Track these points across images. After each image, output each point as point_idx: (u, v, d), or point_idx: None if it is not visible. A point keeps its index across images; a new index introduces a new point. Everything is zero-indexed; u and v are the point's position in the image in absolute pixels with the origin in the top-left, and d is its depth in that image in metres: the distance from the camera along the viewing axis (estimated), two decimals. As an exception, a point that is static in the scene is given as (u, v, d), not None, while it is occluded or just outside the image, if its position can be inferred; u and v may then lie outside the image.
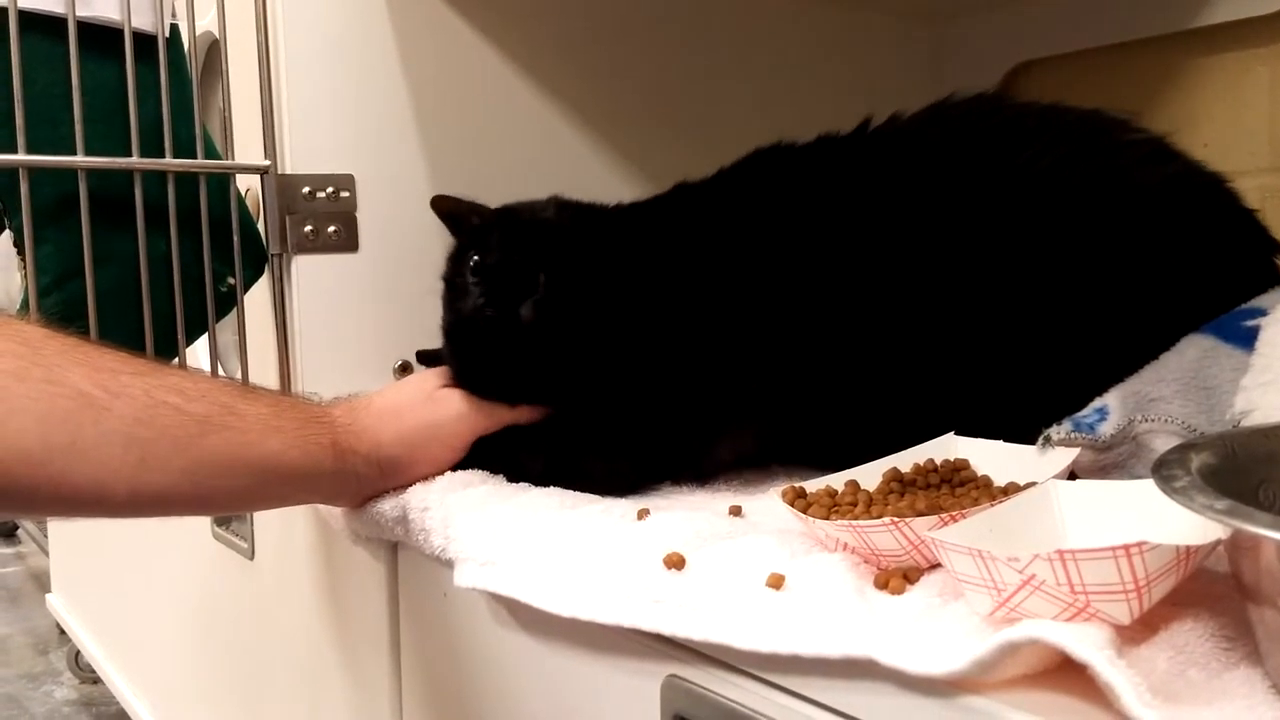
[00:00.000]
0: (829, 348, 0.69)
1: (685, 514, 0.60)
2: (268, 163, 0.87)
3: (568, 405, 0.73)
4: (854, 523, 0.50)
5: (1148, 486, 0.39)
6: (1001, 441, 0.59)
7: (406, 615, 0.77)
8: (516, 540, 0.61)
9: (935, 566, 0.49)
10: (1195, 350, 0.57)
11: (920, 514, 0.49)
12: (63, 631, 1.87)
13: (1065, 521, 0.48)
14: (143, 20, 0.82)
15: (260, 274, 0.89)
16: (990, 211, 0.68)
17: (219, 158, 0.87)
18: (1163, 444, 0.53)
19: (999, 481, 0.57)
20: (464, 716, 0.70)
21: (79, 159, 0.78)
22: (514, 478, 0.72)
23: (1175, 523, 0.39)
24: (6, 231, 0.82)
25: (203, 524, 1.12)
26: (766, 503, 0.66)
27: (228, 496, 0.64)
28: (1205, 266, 0.66)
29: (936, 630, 0.42)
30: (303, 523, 0.90)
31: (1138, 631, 0.40)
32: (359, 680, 0.84)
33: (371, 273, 0.91)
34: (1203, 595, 0.43)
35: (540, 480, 0.71)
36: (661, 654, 0.52)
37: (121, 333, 0.80)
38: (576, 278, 0.71)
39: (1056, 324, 0.66)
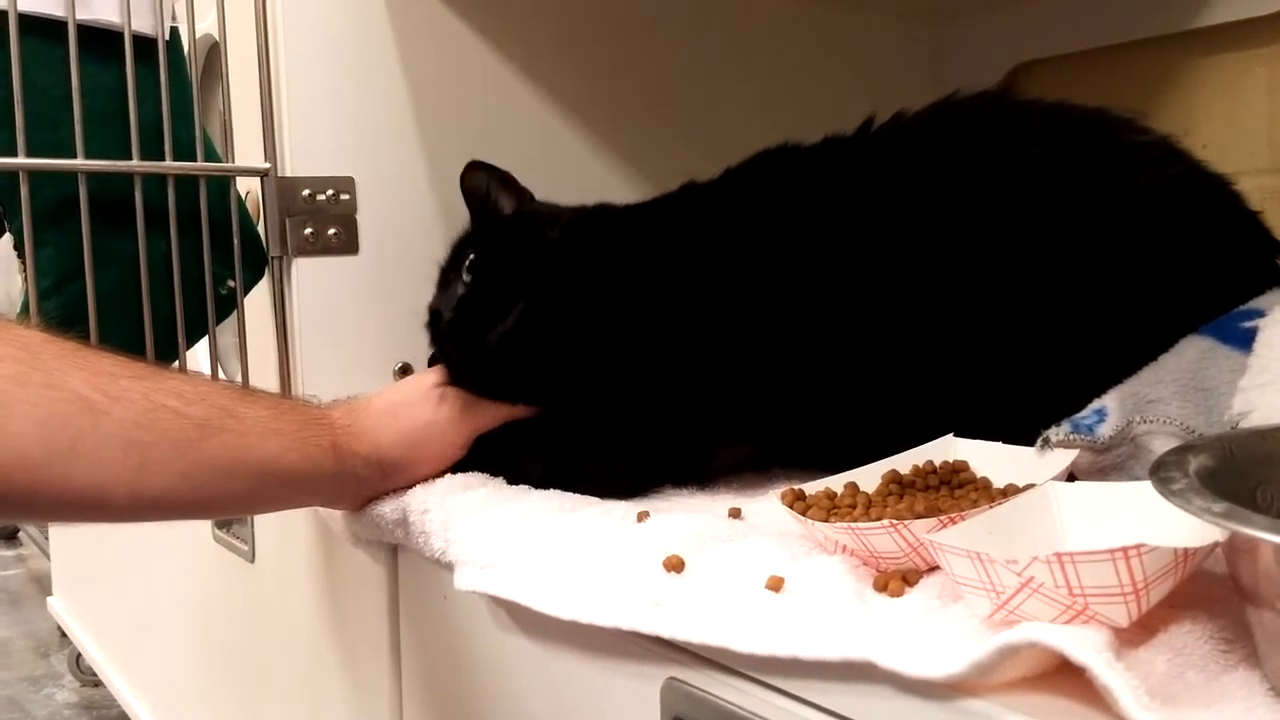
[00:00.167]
0: (835, 348, 0.69)
1: (685, 516, 0.60)
2: (268, 165, 0.87)
3: (562, 407, 0.73)
4: (853, 525, 0.50)
5: (1146, 488, 0.39)
6: (1000, 443, 0.59)
7: (406, 618, 0.77)
8: (516, 543, 0.61)
9: (934, 569, 0.49)
10: (1194, 351, 0.57)
11: (919, 516, 0.49)
12: (64, 634, 1.87)
13: (1064, 523, 0.48)
14: (143, 23, 0.82)
15: (260, 276, 0.89)
16: (994, 211, 0.68)
17: (219, 160, 0.87)
18: (1161, 445, 0.53)
19: (998, 483, 0.57)
20: (464, 719, 0.70)
21: (79, 162, 0.78)
22: (514, 480, 0.72)
23: (1174, 524, 0.39)
24: (7, 234, 0.82)
25: (203, 527, 1.12)
26: (766, 505, 0.66)
27: (227, 499, 0.64)
28: (1209, 269, 0.66)
29: (935, 633, 0.42)
30: (303, 526, 0.90)
31: (1136, 634, 0.40)
32: (359, 683, 0.84)
33: (371, 275, 0.91)
34: (1201, 597, 0.43)
35: (541, 483, 0.71)
36: (661, 656, 0.52)
37: (121, 335, 0.80)
38: (558, 308, 0.70)
39: (1057, 325, 0.65)
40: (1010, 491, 0.54)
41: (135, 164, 0.80)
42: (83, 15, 0.79)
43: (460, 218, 0.81)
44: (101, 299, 0.79)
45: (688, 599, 0.50)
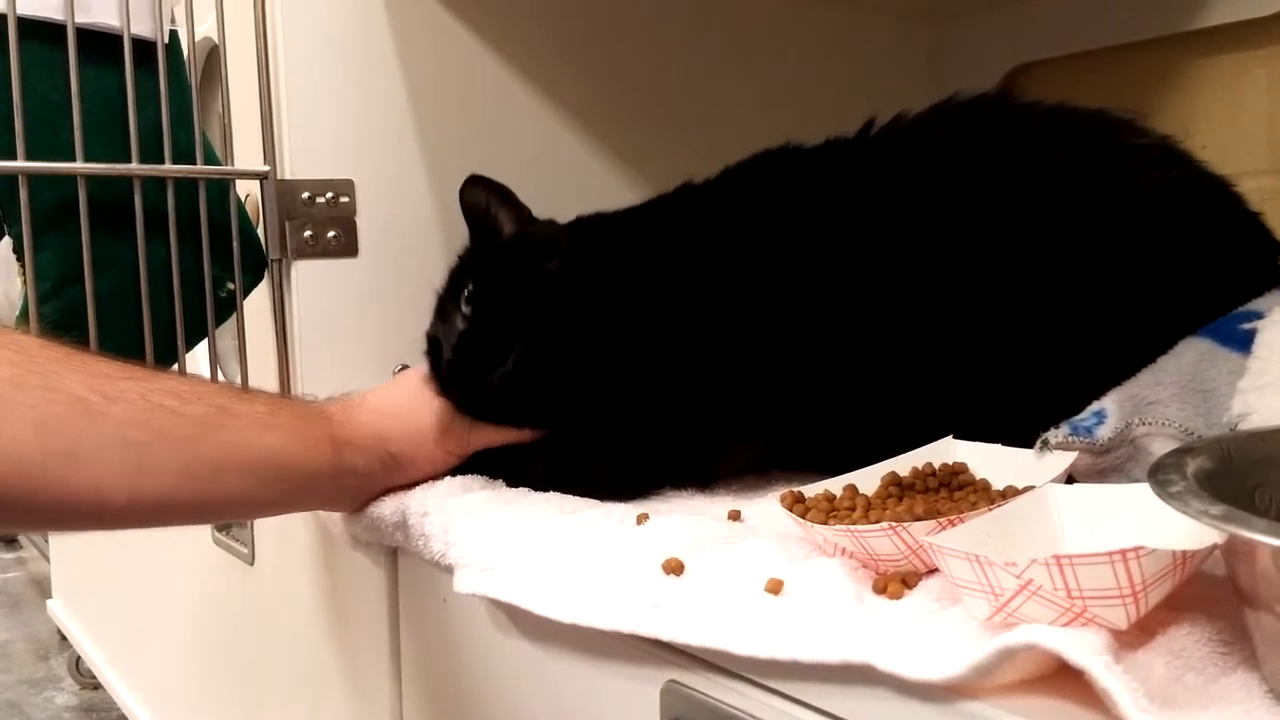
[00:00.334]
0: (837, 351, 0.69)
1: (684, 519, 0.60)
2: (267, 168, 0.87)
3: (566, 429, 0.72)
4: (852, 528, 0.50)
5: (1145, 490, 0.39)
6: (999, 445, 0.59)
7: (406, 621, 0.77)
8: (516, 545, 0.61)
9: (933, 571, 0.49)
10: (1193, 353, 0.57)
11: (918, 518, 0.49)
12: (63, 637, 1.87)
13: (1063, 526, 0.48)
14: (142, 27, 0.82)
15: (260, 279, 0.89)
16: (994, 213, 0.67)
17: (218, 163, 0.87)
18: (1160, 447, 0.53)
19: (997, 485, 0.57)
20: (464, 721, 0.70)
21: (78, 165, 0.78)
22: (514, 482, 0.72)
23: (1173, 527, 0.39)
24: (6, 238, 0.82)
25: (203, 529, 1.12)
26: (765, 507, 0.66)
27: (227, 498, 0.63)
28: (1209, 270, 0.66)
29: (934, 635, 0.42)
30: (303, 528, 0.90)
31: (1135, 636, 0.40)
32: (359, 685, 0.84)
33: (371, 277, 0.91)
34: (1200, 599, 0.43)
35: (541, 485, 0.71)
36: (661, 659, 0.52)
37: (121, 338, 0.80)
38: (559, 346, 0.70)
39: (1057, 327, 0.65)
40: (1009, 494, 0.54)
41: (134, 167, 0.80)
42: (82, 19, 0.79)
43: (459, 220, 0.81)
44: (101, 302, 0.79)
45: (687, 601, 0.50)
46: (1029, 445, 0.57)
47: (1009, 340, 0.66)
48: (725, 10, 1.12)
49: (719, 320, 0.71)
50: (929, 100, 0.75)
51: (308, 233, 0.88)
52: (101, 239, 0.79)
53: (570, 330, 0.70)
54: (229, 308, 0.87)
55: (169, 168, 0.82)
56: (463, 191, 0.79)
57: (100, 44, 0.80)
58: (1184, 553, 0.38)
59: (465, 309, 0.72)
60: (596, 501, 0.68)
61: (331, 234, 0.89)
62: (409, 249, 0.92)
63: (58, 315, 0.79)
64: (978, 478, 0.59)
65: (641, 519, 0.62)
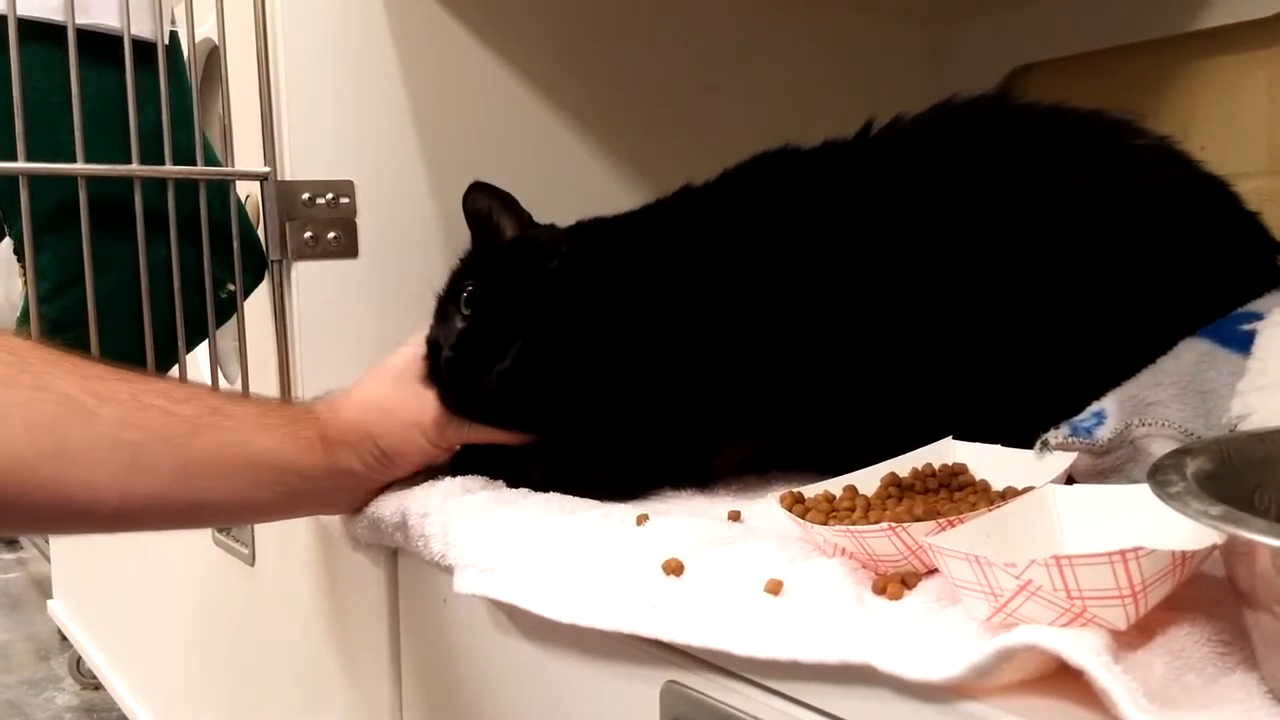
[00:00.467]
0: (836, 352, 0.69)
1: (684, 519, 0.60)
2: (267, 169, 0.87)
3: (563, 431, 0.72)
4: (852, 528, 0.50)
5: (1145, 491, 0.39)
6: (999, 446, 0.59)
7: (406, 621, 0.77)
8: (516, 546, 0.61)
9: (933, 571, 0.49)
10: (1192, 354, 0.57)
11: (918, 519, 0.49)
12: (64, 637, 1.87)
13: (1063, 526, 0.48)
14: (142, 27, 0.82)
15: (260, 280, 0.90)
16: (994, 214, 0.68)
17: (219, 164, 0.87)
18: (1160, 448, 0.53)
19: (997, 486, 0.57)
20: (464, 722, 0.70)
21: (79, 166, 0.78)
22: (515, 483, 0.72)
23: (1172, 527, 0.39)
24: (6, 238, 0.82)
25: (204, 530, 1.12)
26: (765, 508, 0.66)
27: (221, 498, 0.63)
28: (1208, 271, 0.66)
29: (934, 636, 0.42)
30: (303, 529, 0.90)
31: (1134, 637, 0.40)
32: (359, 686, 0.84)
33: (371, 278, 0.91)
34: (1199, 600, 0.43)
35: (541, 485, 0.71)
36: (661, 660, 0.52)
37: (121, 339, 0.80)
38: (557, 344, 0.69)
39: (1057, 328, 0.65)
40: (1009, 494, 0.54)
41: (135, 168, 0.80)
42: (82, 20, 0.79)
43: (459, 221, 0.81)
44: (101, 302, 0.79)
45: (687, 602, 0.50)
46: (1029, 446, 0.57)
47: (1009, 341, 0.66)
48: (724, 11, 1.12)
49: (719, 321, 0.71)
50: (928, 101, 0.75)
51: (308, 234, 0.88)
52: (102, 240, 0.80)
53: (570, 329, 0.70)
54: (229, 309, 0.87)
55: (169, 169, 0.82)
56: (466, 197, 0.79)
57: (100, 45, 0.80)
58: (1183, 553, 0.38)
59: (465, 309, 0.72)
60: (596, 502, 0.68)
61: (332, 235, 0.89)
62: (409, 250, 0.92)
63: (58, 316, 0.79)
64: (977, 478, 0.59)
65: (641, 519, 0.62)
